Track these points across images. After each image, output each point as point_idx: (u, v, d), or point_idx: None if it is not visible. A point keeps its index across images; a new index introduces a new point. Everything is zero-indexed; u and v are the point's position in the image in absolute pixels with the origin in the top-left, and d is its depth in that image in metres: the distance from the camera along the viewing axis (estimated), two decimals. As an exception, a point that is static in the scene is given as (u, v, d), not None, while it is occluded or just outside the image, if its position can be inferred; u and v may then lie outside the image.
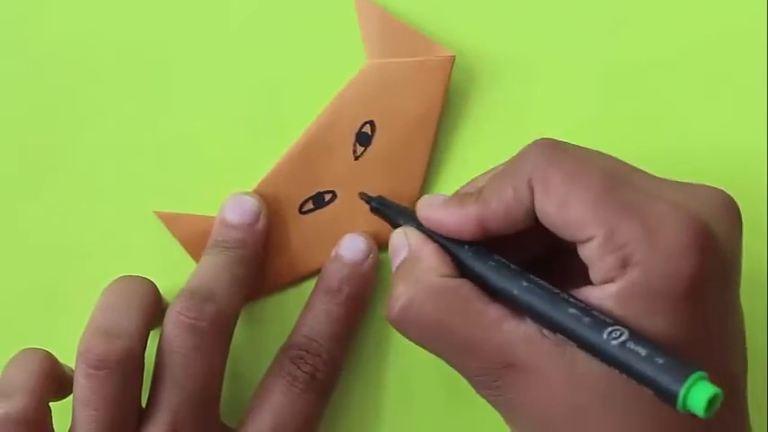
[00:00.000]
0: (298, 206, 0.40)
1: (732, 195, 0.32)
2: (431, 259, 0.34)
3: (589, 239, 0.30)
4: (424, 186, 0.40)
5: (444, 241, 0.34)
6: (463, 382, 0.33)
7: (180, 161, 0.40)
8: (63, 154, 0.40)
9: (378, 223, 0.39)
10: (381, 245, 0.39)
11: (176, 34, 0.40)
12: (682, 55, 0.40)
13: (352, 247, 0.39)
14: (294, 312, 0.39)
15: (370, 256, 0.39)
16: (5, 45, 0.41)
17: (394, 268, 0.35)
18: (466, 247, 0.34)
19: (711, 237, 0.30)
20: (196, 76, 0.40)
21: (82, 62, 0.40)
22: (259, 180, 0.40)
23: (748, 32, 0.40)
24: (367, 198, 0.38)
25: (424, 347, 0.34)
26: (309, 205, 0.40)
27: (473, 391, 0.33)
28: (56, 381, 0.36)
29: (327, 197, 0.40)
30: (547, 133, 0.33)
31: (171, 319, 0.36)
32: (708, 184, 0.33)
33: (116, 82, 0.40)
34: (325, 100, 0.40)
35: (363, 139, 0.39)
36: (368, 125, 0.39)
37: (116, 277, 0.38)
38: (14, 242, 0.41)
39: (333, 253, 0.39)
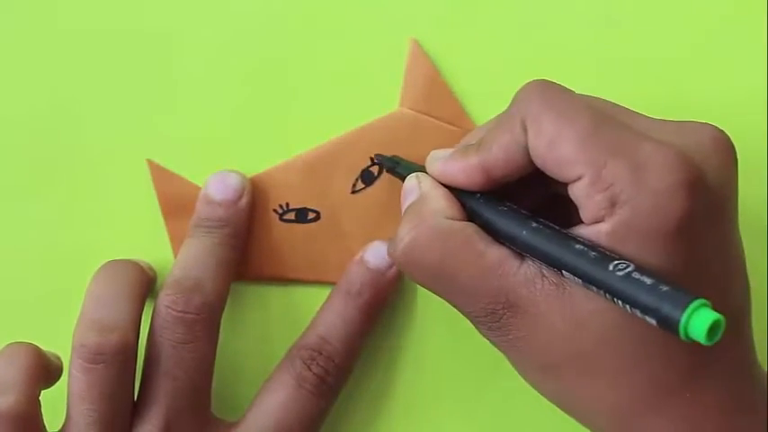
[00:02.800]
0: (280, 212, 0.40)
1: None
2: (439, 201, 0.34)
3: (578, 178, 0.30)
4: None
5: (458, 192, 0.34)
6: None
7: (183, 164, 0.40)
8: (64, 153, 0.40)
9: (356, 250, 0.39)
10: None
11: (188, 36, 0.40)
12: (678, 54, 0.40)
13: (378, 253, 0.39)
14: (297, 308, 0.40)
15: (395, 266, 0.39)
16: (6, 44, 0.40)
17: (403, 210, 0.35)
18: (478, 195, 0.34)
19: (699, 173, 0.30)
20: (209, 80, 0.40)
21: (84, 61, 0.40)
22: (252, 174, 0.40)
23: (748, 29, 0.40)
24: (380, 159, 0.39)
25: (428, 288, 0.34)
26: (291, 216, 0.40)
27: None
28: (44, 372, 0.36)
29: (311, 215, 0.40)
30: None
31: (159, 312, 0.36)
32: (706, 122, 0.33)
33: (120, 81, 0.40)
34: (343, 126, 0.40)
35: (367, 177, 0.40)
36: (377, 166, 0.40)
37: (103, 263, 0.38)
38: (15, 241, 0.40)
39: (358, 256, 0.39)
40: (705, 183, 0.30)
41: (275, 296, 0.40)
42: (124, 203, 0.40)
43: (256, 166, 0.40)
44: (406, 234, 0.33)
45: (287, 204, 0.40)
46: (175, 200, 0.40)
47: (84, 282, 0.37)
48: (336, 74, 0.40)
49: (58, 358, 0.37)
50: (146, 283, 0.38)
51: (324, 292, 0.40)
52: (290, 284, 0.40)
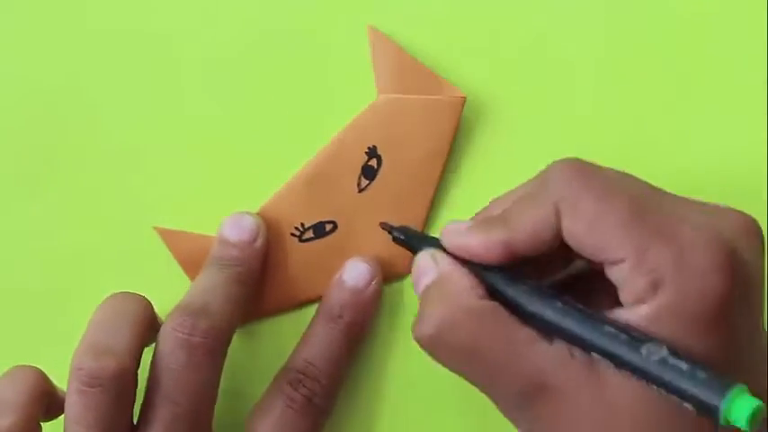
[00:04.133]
0: (298, 234, 0.40)
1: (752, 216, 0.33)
2: (464, 280, 0.33)
3: (619, 261, 0.31)
4: (427, 225, 0.40)
5: (473, 266, 0.34)
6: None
7: (184, 177, 0.40)
8: (64, 159, 0.40)
9: (378, 255, 0.39)
10: (384, 275, 0.40)
11: (186, 51, 0.41)
12: (677, 52, 0.41)
13: (354, 272, 0.39)
14: (291, 333, 0.39)
15: (373, 282, 0.39)
16: (6, 45, 0.41)
17: (420, 290, 0.35)
18: (495, 271, 0.33)
19: (738, 259, 0.31)
20: (206, 94, 0.41)
21: (83, 62, 0.41)
22: (261, 205, 0.40)
23: (748, 28, 0.41)
24: (389, 228, 0.38)
25: (454, 370, 0.33)
26: (310, 234, 0.40)
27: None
28: (46, 399, 0.36)
29: (328, 227, 0.40)
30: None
31: (165, 334, 0.36)
32: (734, 207, 0.33)
33: (119, 82, 0.41)
34: (334, 129, 0.40)
35: (369, 172, 0.39)
36: (374, 159, 0.39)
37: (110, 294, 0.38)
38: (13, 247, 0.40)
39: (336, 277, 0.39)
40: (741, 267, 0.31)
41: (269, 321, 0.40)
42: (124, 204, 0.40)
43: (258, 190, 0.40)
44: (435, 316, 0.33)
45: (302, 225, 0.40)
46: (193, 257, 0.39)
47: (83, 282, 0.38)
48: (308, 79, 0.40)
49: (63, 392, 0.36)
50: (150, 319, 0.37)
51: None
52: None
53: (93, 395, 0.34)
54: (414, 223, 0.40)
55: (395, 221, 0.39)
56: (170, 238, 0.40)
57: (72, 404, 0.34)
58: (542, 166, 0.40)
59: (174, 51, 0.41)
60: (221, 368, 0.37)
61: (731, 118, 0.41)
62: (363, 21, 0.40)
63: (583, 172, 0.32)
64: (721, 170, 0.41)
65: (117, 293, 0.38)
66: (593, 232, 0.31)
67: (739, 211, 0.33)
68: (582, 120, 0.41)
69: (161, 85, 0.41)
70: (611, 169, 0.33)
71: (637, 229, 0.31)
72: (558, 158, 0.33)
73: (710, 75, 0.41)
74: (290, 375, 0.38)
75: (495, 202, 0.36)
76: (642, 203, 0.31)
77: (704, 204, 0.33)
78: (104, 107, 0.41)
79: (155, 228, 0.40)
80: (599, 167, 0.33)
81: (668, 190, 0.32)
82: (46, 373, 0.36)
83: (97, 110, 0.41)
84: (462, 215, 0.39)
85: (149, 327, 0.37)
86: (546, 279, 0.34)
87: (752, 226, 0.32)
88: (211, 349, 0.36)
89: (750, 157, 0.40)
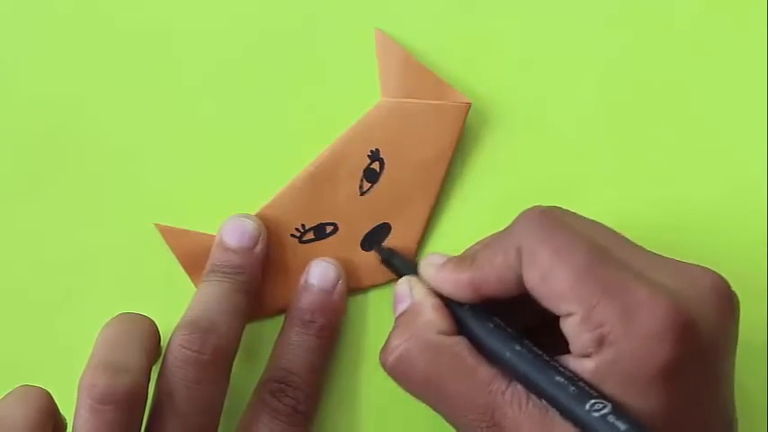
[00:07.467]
0: (299, 235, 0.40)
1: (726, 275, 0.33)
2: (430, 314, 0.35)
3: (569, 315, 0.31)
4: (427, 229, 0.40)
5: (447, 299, 0.35)
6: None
7: (186, 175, 0.40)
8: (65, 159, 0.40)
9: (376, 258, 0.39)
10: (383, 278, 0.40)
11: (190, 50, 0.41)
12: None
13: (321, 275, 0.39)
14: (263, 339, 0.40)
15: (340, 282, 0.39)
16: (7, 46, 0.41)
17: (396, 316, 0.36)
18: (466, 306, 0.35)
19: (690, 322, 0.31)
20: (209, 94, 0.41)
21: (85, 61, 0.41)
22: (262, 205, 0.40)
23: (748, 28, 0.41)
24: (379, 249, 0.38)
25: (416, 398, 0.35)
26: (310, 235, 0.40)
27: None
28: (53, 419, 0.35)
29: (329, 229, 0.40)
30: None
31: (173, 350, 0.36)
32: (704, 264, 0.33)
33: (125, 87, 0.41)
34: (337, 131, 0.40)
35: (371, 175, 0.39)
36: (377, 162, 0.39)
37: (115, 315, 0.37)
38: (13, 247, 0.41)
39: (302, 281, 0.39)
40: (695, 331, 0.31)
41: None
42: (125, 203, 0.40)
43: (259, 189, 0.40)
44: (397, 346, 0.34)
45: (303, 226, 0.40)
46: (194, 255, 0.39)
47: (84, 281, 0.38)
48: (313, 80, 0.40)
49: (65, 418, 0.36)
50: (157, 337, 0.37)
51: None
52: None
53: (106, 413, 0.34)
54: (415, 227, 0.40)
55: (395, 225, 0.39)
56: (171, 235, 0.40)
57: (83, 421, 0.34)
58: (545, 174, 0.40)
59: (178, 51, 0.41)
60: (229, 380, 0.37)
61: (732, 128, 0.41)
62: (371, 23, 0.40)
63: (546, 221, 0.33)
64: (722, 177, 0.41)
65: (122, 314, 0.38)
66: (546, 283, 0.32)
67: (707, 271, 0.33)
68: (586, 127, 0.41)
69: (164, 85, 0.40)
70: (579, 218, 0.34)
71: (588, 284, 0.31)
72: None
73: (712, 83, 0.41)
74: (272, 386, 0.38)
75: (476, 243, 0.37)
76: (598, 256, 0.32)
77: (675, 263, 0.33)
78: (105, 107, 0.40)
79: (155, 224, 0.40)
80: (565, 216, 0.33)
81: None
82: (50, 392, 0.36)
83: (98, 110, 0.40)
84: (463, 221, 0.40)
85: (156, 345, 0.37)
86: (519, 318, 0.34)
87: (721, 290, 0.33)
88: (220, 365, 0.36)
89: (751, 166, 0.41)
